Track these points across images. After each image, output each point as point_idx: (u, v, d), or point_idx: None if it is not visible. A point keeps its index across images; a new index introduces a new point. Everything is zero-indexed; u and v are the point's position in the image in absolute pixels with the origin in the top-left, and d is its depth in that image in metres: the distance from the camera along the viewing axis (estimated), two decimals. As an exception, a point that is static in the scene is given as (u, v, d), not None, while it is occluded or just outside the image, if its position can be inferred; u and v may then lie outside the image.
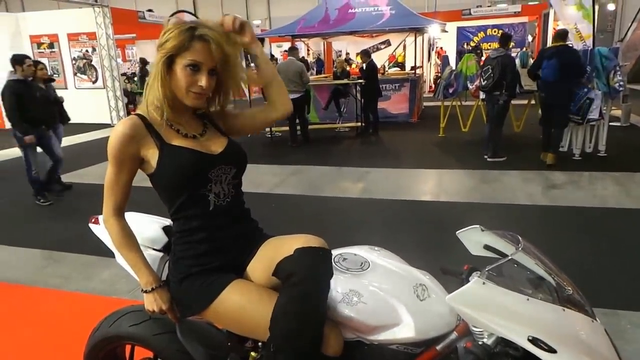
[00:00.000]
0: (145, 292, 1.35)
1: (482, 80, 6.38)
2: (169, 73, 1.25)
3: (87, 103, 11.46)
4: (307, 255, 1.19)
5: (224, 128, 1.46)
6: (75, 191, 5.72)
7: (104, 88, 11.40)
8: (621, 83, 6.10)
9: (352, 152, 7.89)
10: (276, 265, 1.24)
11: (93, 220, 1.66)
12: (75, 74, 11.68)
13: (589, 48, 6.28)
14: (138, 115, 1.32)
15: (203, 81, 1.25)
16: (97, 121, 11.25)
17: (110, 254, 1.57)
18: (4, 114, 5.50)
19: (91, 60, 11.40)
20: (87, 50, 11.36)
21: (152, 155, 1.28)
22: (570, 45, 6.34)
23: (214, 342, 1.52)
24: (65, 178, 6.36)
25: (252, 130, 1.56)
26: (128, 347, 1.74)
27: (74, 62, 11.58)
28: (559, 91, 5.72)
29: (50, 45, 11.68)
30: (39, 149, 5.15)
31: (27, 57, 5.11)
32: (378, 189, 5.28)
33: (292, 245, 1.22)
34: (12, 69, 4.98)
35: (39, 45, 11.76)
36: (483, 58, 11.21)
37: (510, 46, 6.54)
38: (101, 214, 1.66)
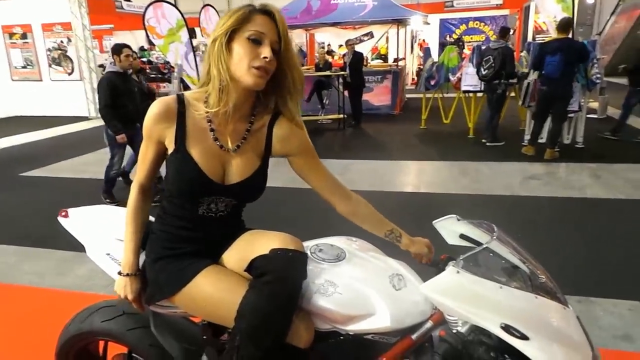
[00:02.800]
0: (119, 273, 1.34)
1: (482, 69, 6.54)
2: (228, 52, 1.17)
3: (63, 95, 11.19)
4: (282, 257, 1.17)
5: (277, 149, 1.32)
6: (49, 186, 5.59)
7: (81, 80, 11.12)
8: (598, 75, 6.20)
9: (335, 144, 7.88)
10: (250, 261, 1.22)
11: (63, 213, 1.61)
12: (50, 66, 11.37)
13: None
14: (179, 99, 1.25)
15: (266, 51, 1.15)
16: (74, 114, 10.99)
17: (84, 249, 1.53)
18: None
19: (66, 51, 11.09)
20: (62, 41, 11.04)
21: (169, 145, 1.25)
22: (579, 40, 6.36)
23: (189, 337, 1.50)
24: (39, 172, 6.23)
25: (303, 179, 1.40)
26: (102, 343, 1.71)
27: (48, 53, 11.26)
28: (562, 85, 5.64)
29: (23, 36, 11.31)
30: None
31: (127, 46, 4.65)
32: (360, 181, 5.29)
33: (268, 244, 1.19)
34: (112, 60, 4.57)
35: (11, 35, 11.39)
36: (465, 50, 11.34)
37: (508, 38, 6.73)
38: (71, 207, 1.63)
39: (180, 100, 1.25)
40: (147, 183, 1.34)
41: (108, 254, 1.43)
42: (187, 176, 1.23)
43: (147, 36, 7.24)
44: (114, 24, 16.29)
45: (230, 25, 1.16)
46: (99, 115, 4.55)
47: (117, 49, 4.56)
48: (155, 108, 1.23)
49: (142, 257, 1.40)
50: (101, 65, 13.31)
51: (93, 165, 6.59)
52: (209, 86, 1.22)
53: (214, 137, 1.25)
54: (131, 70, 4.74)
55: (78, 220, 1.55)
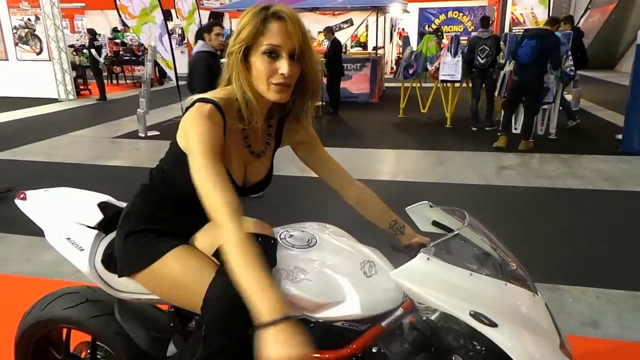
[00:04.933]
0: (269, 324, 0.90)
1: (480, 58, 6.67)
2: (247, 67, 1.14)
3: (31, 76, 10.77)
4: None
5: (284, 141, 1.37)
6: (14, 169, 5.39)
7: (50, 60, 10.70)
8: (572, 68, 6.30)
9: (312, 131, 7.81)
10: (218, 246, 1.18)
11: (21, 196, 1.54)
12: (16, 44, 10.89)
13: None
14: (219, 109, 1.14)
15: (284, 67, 1.10)
16: (42, 95, 10.58)
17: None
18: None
19: (34, 30, 10.64)
20: (29, 19, 10.58)
21: None
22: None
23: (155, 324, 1.46)
24: (5, 155, 6.00)
25: (309, 167, 1.45)
26: (65, 331, 1.65)
27: (14, 31, 10.79)
28: (532, 76, 5.67)
29: (-13, 12, 10.80)
30: None
31: (218, 24, 4.24)
32: (337, 169, 5.26)
33: None
34: (202, 39, 4.18)
35: (-25, 11, 10.85)
36: (444, 40, 11.38)
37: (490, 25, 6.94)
38: (30, 189, 1.55)
39: (220, 109, 1.15)
40: (239, 202, 1.08)
41: (68, 239, 1.37)
42: None
43: (120, 16, 6.99)
44: (86, 3, 15.73)
45: (244, 41, 1.12)
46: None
47: (208, 27, 4.24)
48: (212, 122, 1.10)
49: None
50: (72, 46, 12.84)
51: (64, 148, 6.38)
52: (234, 92, 1.17)
53: (247, 144, 1.25)
54: (219, 52, 4.35)
55: (37, 203, 1.48)
